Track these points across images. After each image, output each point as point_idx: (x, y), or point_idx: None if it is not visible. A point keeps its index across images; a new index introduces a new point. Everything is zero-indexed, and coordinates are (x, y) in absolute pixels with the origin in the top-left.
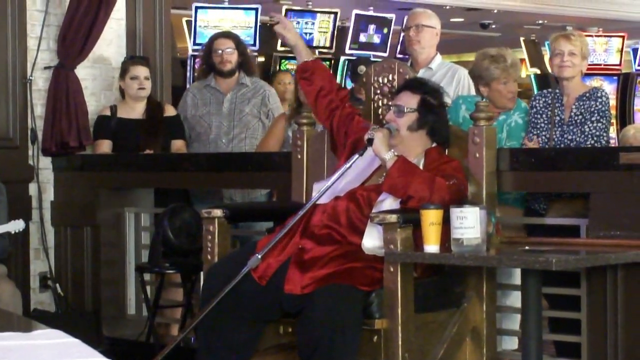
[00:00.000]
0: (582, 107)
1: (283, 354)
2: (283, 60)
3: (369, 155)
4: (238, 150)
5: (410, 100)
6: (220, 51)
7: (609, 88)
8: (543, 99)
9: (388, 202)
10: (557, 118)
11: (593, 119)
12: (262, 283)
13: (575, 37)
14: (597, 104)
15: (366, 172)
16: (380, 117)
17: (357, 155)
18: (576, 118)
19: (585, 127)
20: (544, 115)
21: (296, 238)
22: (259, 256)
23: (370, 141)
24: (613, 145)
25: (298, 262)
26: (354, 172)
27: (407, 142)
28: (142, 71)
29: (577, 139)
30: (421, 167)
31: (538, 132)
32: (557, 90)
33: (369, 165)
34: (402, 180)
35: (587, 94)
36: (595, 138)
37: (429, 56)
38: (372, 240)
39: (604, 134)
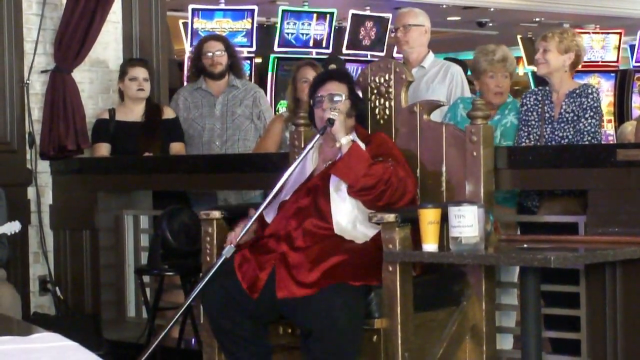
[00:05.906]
0: (573, 103)
1: (285, 353)
2: (280, 62)
3: (318, 144)
4: (232, 152)
5: (340, 89)
6: (210, 54)
7: (607, 85)
8: (534, 97)
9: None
10: (547, 115)
11: (587, 115)
12: (253, 297)
13: (552, 34)
14: (589, 100)
15: (309, 168)
16: (377, 116)
17: (318, 135)
18: (567, 115)
19: (580, 124)
20: (534, 113)
21: (272, 243)
22: (233, 246)
23: (331, 121)
24: (611, 142)
25: (284, 266)
26: (294, 177)
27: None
28: (141, 72)
29: (569, 135)
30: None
31: (529, 129)
32: (547, 88)
33: (309, 161)
34: (354, 167)
35: (577, 91)
36: (590, 135)
37: (420, 55)
38: (341, 215)
39: (598, 130)
